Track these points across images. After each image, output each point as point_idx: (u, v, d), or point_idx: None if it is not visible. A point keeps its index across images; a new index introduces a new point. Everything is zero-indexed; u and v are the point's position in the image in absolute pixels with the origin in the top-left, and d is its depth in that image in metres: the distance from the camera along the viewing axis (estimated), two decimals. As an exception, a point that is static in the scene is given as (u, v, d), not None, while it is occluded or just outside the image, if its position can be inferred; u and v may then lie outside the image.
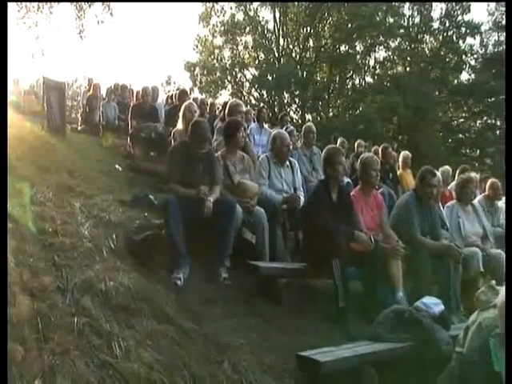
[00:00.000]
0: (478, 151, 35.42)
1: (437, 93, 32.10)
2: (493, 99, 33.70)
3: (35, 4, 12.94)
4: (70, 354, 2.85)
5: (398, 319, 4.61)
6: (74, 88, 37.26)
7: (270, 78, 31.44)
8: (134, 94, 13.25)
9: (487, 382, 2.77)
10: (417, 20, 33.68)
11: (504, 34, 34.53)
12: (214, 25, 33.35)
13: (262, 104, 29.30)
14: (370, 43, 33.14)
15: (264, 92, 33.58)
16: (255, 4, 32.84)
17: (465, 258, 5.99)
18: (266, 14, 33.29)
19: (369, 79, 35.02)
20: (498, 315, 2.94)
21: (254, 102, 32.43)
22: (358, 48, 33.62)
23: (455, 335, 3.85)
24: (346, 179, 7.51)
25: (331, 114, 33.77)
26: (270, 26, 33.31)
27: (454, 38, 34.01)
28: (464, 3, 32.91)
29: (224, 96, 32.29)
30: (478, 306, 3.39)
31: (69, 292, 3.43)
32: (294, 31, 33.24)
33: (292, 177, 6.28)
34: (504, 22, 34.47)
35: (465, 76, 35.31)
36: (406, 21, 33.59)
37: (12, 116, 6.86)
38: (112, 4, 14.26)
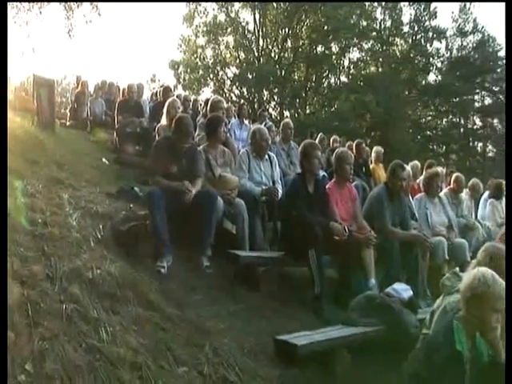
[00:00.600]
0: (444, 147, 35.89)
1: (406, 92, 32.39)
2: (457, 99, 34.16)
3: (26, 4, 12.71)
4: (59, 338, 2.83)
5: (370, 304, 4.66)
6: (63, 85, 36.85)
7: (250, 77, 31.43)
8: (121, 91, 13.15)
9: (450, 360, 2.81)
10: (388, 24, 33.93)
11: (466, 38, 35.15)
12: (197, 25, 33.17)
13: (242, 101, 29.17)
14: (345, 44, 33.27)
15: (244, 89, 33.53)
16: (236, 6, 32.75)
17: (431, 246, 6.06)
18: (246, 15, 33.24)
19: (343, 78, 35.20)
20: (461, 299, 2.98)
21: (234, 99, 32.32)
22: (333, 49, 33.74)
23: (422, 318, 3.90)
24: (322, 173, 7.51)
25: (308, 110, 33.84)
26: (251, 27, 33.26)
27: (422, 41, 34.40)
28: (431, 10, 33.28)
29: (206, 93, 32.18)
30: (443, 291, 3.42)
31: (57, 280, 3.39)
32: (273, 32, 33.18)
33: (271, 170, 6.27)
34: (467, 28, 35.07)
35: (432, 77, 35.75)
36: (378, 24, 33.81)
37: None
38: (100, 4, 14.05)
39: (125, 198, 6.02)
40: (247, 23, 33.21)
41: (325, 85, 35.06)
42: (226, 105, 8.52)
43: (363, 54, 34.57)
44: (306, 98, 34.02)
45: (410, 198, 7.30)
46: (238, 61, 33.33)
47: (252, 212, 5.61)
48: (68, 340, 2.87)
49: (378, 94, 29.33)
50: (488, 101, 36.38)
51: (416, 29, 34.07)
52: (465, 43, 35.67)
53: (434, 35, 34.11)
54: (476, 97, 36.43)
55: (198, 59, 33.43)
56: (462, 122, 37.12)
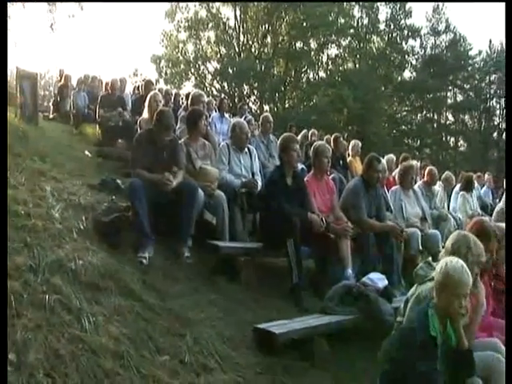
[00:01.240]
0: (419, 141, 36.30)
1: (383, 88, 32.64)
2: (431, 95, 34.58)
3: (9, -2, 12.43)
4: (42, 329, 2.81)
5: (347, 293, 4.69)
6: (46, 78, 36.19)
7: (230, 71, 31.40)
8: (103, 85, 12.98)
9: (424, 345, 2.84)
10: (365, 22, 34.13)
11: (439, 37, 35.56)
12: (178, 21, 33.00)
13: (222, 95, 29.15)
14: (323, 41, 33.43)
15: (225, 84, 33.49)
16: (217, 2, 32.55)
17: (406, 237, 6.11)
18: (227, 11, 33.16)
19: (322, 74, 35.40)
20: (433, 288, 3.02)
21: (215, 93, 32.21)
22: (312, 45, 33.86)
23: (397, 307, 3.93)
24: (301, 165, 7.52)
25: (287, 105, 33.94)
26: (231, 22, 33.22)
27: (398, 39, 34.76)
28: (406, 9, 33.56)
29: (187, 87, 32.01)
30: (417, 280, 3.46)
31: (40, 271, 3.34)
32: (254, 28, 33.15)
33: (250, 163, 6.25)
34: (440, 28, 35.46)
35: (407, 74, 36.23)
36: (355, 22, 34.02)
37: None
38: (83, -2, 13.85)
39: (107, 189, 5.95)
40: (228, 19, 33.19)
41: (303, 80, 35.21)
42: (206, 99, 8.46)
43: (341, 51, 34.80)
44: (285, 93, 34.08)
45: (386, 190, 7.36)
46: (218, 56, 33.24)
47: (232, 204, 5.60)
48: (51, 330, 2.84)
49: (355, 89, 29.52)
50: (460, 97, 36.90)
51: (392, 27, 34.40)
52: (438, 42, 36.21)
53: (409, 33, 34.52)
54: (448, 93, 36.89)
55: (179, 54, 33.29)
56: (436, 117, 37.60)
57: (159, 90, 9.11)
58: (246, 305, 4.61)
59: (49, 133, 9.39)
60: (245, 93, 33.73)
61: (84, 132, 11.13)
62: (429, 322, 2.89)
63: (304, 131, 11.48)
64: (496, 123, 36.27)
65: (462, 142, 38.42)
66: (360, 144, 10.91)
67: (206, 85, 33.74)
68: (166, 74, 33.14)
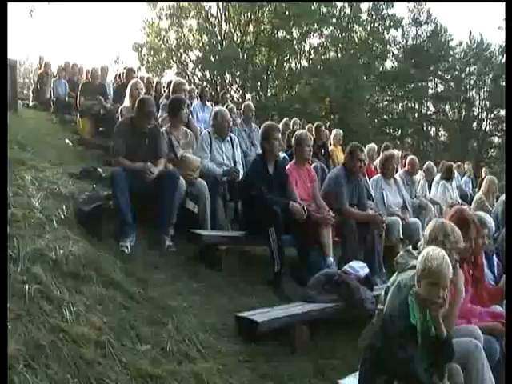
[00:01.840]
0: (400, 131, 36.50)
1: (365, 77, 32.62)
2: (412, 85, 34.75)
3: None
4: (22, 319, 2.78)
5: (329, 282, 4.71)
6: (26, 66, 35.54)
7: (212, 60, 31.15)
8: (84, 72, 12.82)
9: (404, 333, 2.87)
10: (347, 11, 34.01)
11: (421, 28, 35.75)
12: (160, 8, 32.49)
13: (204, 83, 29.00)
14: (306, 30, 33.29)
15: (207, 72, 33.25)
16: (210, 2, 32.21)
17: (387, 225, 6.15)
18: (209, -1, 32.73)
19: (304, 63, 35.30)
20: (414, 276, 3.04)
21: (197, 81, 31.99)
22: (294, 34, 33.67)
23: (378, 295, 3.96)
24: (282, 154, 7.53)
25: (269, 93, 33.82)
26: (214, 10, 32.86)
27: (380, 29, 34.72)
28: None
29: (169, 75, 31.66)
30: (397, 269, 3.48)
31: (20, 260, 3.31)
32: (236, 16, 32.85)
33: (232, 151, 6.24)
34: (421, 18, 35.64)
35: (389, 63, 36.33)
36: (337, 11, 33.87)
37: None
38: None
39: (88, 178, 5.93)
40: (210, 7, 32.79)
41: (286, 69, 35.09)
42: (188, 87, 8.41)
43: (323, 40, 34.69)
44: (267, 81, 33.92)
45: (367, 178, 7.39)
46: (200, 44, 32.92)
47: (214, 192, 5.60)
48: (31, 320, 2.82)
49: (337, 78, 29.51)
50: (440, 88, 37.13)
51: (374, 17, 34.38)
52: (419, 32, 36.34)
53: (391, 24, 34.52)
54: (430, 84, 37.10)
55: (161, 42, 32.90)
56: (417, 107, 37.79)
57: (141, 78, 9.02)
58: (228, 293, 4.61)
59: (29, 121, 9.28)
60: (227, 81, 33.57)
61: (64, 120, 10.99)
62: (409, 311, 2.92)
63: (285, 119, 11.46)
64: (476, 113, 36.63)
65: (442, 131, 38.75)
66: (342, 133, 10.94)
67: (188, 73, 33.48)
68: (147, 61, 32.74)
